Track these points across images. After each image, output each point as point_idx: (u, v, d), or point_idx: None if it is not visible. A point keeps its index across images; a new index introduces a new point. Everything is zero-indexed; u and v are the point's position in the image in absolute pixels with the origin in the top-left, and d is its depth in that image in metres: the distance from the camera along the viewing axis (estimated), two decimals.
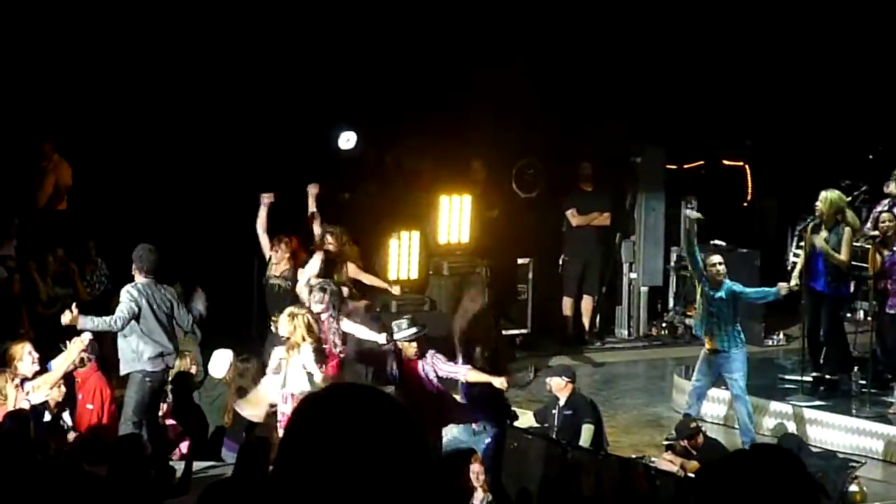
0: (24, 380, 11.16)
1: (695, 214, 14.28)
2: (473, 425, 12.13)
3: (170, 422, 12.45)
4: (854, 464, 12.01)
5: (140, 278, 11.82)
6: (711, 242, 16.78)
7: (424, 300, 15.70)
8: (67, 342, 11.46)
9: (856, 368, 13.72)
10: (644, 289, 17.80)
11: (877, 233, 13.52)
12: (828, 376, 13.85)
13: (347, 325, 12.35)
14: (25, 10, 15.18)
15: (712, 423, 13.70)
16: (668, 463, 11.68)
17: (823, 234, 13.43)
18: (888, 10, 17.05)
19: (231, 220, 14.63)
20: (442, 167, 16.19)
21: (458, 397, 12.55)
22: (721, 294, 12.79)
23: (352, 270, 14.17)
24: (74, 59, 15.15)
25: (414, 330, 11.87)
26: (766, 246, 17.18)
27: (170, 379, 12.37)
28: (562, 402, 12.27)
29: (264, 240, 13.72)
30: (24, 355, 11.40)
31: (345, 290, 13.45)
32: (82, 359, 11.74)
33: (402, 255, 15.69)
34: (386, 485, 2.45)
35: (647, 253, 17.72)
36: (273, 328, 12.52)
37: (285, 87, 15.68)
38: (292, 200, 14.39)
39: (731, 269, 13.21)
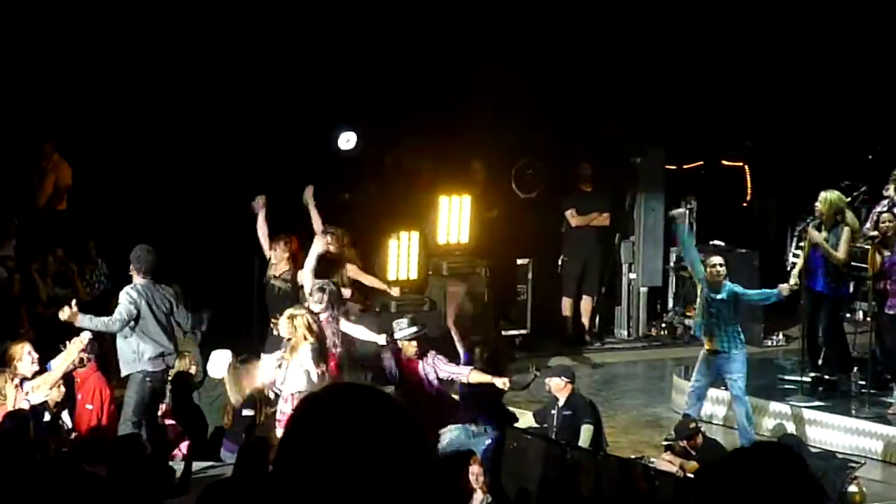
0: (24, 380, 11.17)
1: (678, 211, 14.28)
2: (473, 427, 12.12)
3: (169, 422, 12.45)
4: (853, 464, 12.01)
5: (138, 279, 11.83)
6: (711, 243, 16.80)
7: (424, 300, 15.70)
8: (67, 342, 11.47)
9: (855, 369, 13.72)
10: (643, 289, 17.80)
11: (876, 233, 13.52)
12: (827, 377, 13.86)
13: (347, 326, 12.34)
14: (25, 10, 15.18)
15: (711, 423, 13.70)
16: (667, 463, 11.69)
17: (823, 234, 13.45)
18: (888, 10, 17.05)
19: (231, 221, 14.63)
20: (442, 167, 16.19)
21: (456, 397, 12.55)
22: (722, 295, 12.79)
23: (352, 271, 14.16)
24: (74, 59, 15.16)
25: (414, 329, 11.87)
26: (765, 246, 17.18)
27: (169, 379, 12.38)
28: (561, 403, 12.27)
29: (265, 242, 13.70)
30: (24, 355, 11.40)
31: (346, 293, 13.43)
32: (82, 359, 11.75)
33: (402, 256, 15.68)
34: (386, 485, 2.45)
35: (647, 253, 17.72)
36: (274, 330, 12.52)
37: (286, 88, 15.68)
38: (292, 201, 14.39)
39: (731, 270, 13.21)
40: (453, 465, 9.89)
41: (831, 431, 13.13)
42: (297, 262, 13.46)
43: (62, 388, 11.46)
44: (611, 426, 13.46)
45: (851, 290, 14.39)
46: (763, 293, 13.40)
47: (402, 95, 15.79)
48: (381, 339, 12.20)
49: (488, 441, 11.70)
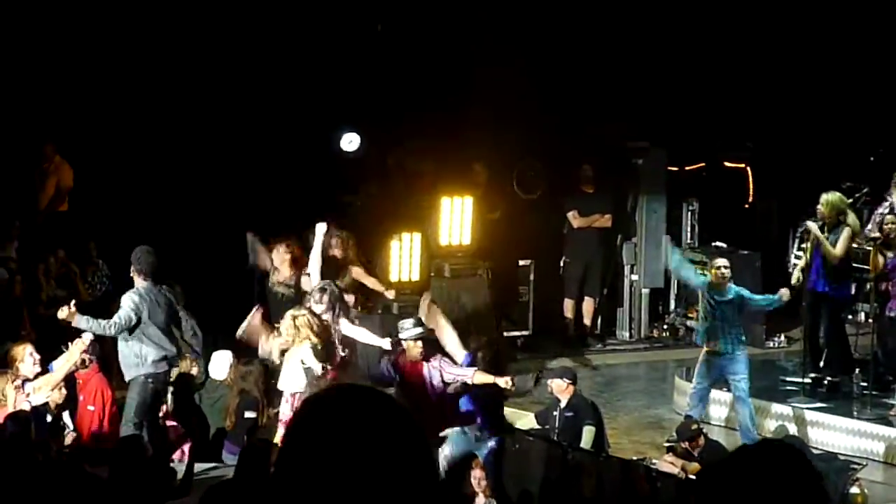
0: (26, 381, 11.16)
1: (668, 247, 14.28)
2: (469, 430, 12.06)
3: (171, 423, 12.44)
4: (855, 466, 12.02)
5: (139, 281, 11.81)
6: (713, 244, 16.80)
7: None
8: (69, 344, 11.46)
9: (857, 370, 13.71)
10: (645, 290, 17.79)
11: (878, 234, 13.52)
12: (829, 378, 13.85)
13: (350, 329, 12.24)
14: (26, 11, 15.18)
15: (713, 424, 13.69)
16: (669, 465, 11.69)
17: (825, 235, 13.44)
18: (888, 11, 17.03)
19: (233, 222, 14.62)
20: (443, 169, 16.19)
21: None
22: (727, 297, 12.80)
23: (356, 273, 14.12)
24: (76, 60, 15.16)
25: (419, 330, 11.84)
26: (767, 248, 17.16)
27: (171, 381, 12.38)
28: (563, 404, 12.26)
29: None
30: (26, 356, 11.40)
31: (350, 299, 13.37)
32: (83, 360, 11.74)
33: (404, 257, 15.68)
34: (387, 487, 2.45)
35: (649, 255, 17.70)
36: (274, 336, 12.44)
37: (288, 90, 15.68)
38: (294, 203, 14.39)
39: (733, 271, 13.22)
40: (455, 469, 9.89)
41: (833, 433, 13.13)
42: (299, 266, 13.37)
43: (63, 390, 11.45)
44: (612, 427, 13.46)
45: (853, 291, 14.39)
46: (767, 299, 13.39)
47: (403, 96, 15.78)
48: (386, 344, 12.14)
49: (491, 444, 11.68)
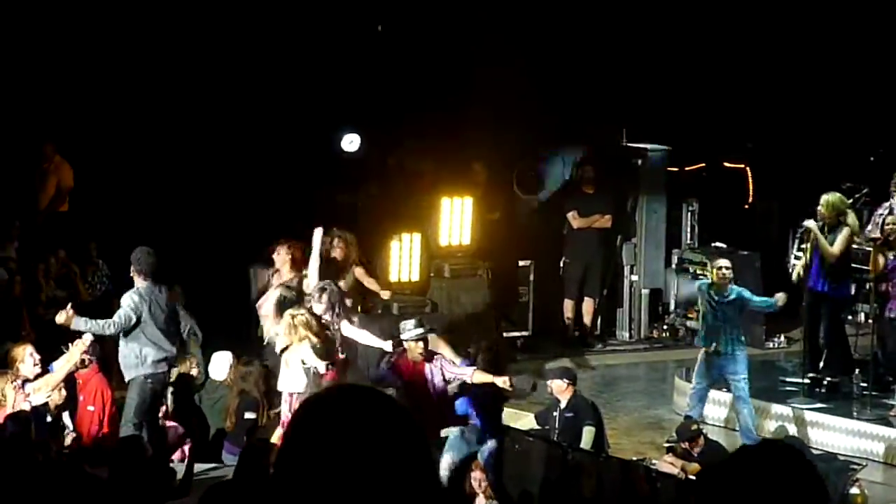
0: (26, 381, 11.16)
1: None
2: (474, 432, 12.06)
3: (170, 424, 12.44)
4: (855, 466, 12.01)
5: (139, 281, 11.80)
6: (713, 245, 16.80)
7: (426, 302, 15.69)
8: (70, 344, 11.46)
9: (857, 371, 13.71)
10: (645, 291, 17.79)
11: (878, 235, 13.52)
12: (828, 379, 13.84)
13: (351, 331, 12.22)
14: (26, 10, 15.18)
15: (713, 425, 13.69)
16: (668, 465, 11.68)
17: (824, 236, 13.44)
18: (888, 11, 17.04)
19: (233, 222, 14.62)
20: (443, 169, 16.19)
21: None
22: (728, 298, 12.81)
23: (358, 273, 14.11)
24: (76, 60, 15.16)
25: (421, 330, 11.83)
26: (767, 248, 17.16)
27: (171, 381, 12.38)
28: (563, 405, 12.26)
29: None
30: (26, 357, 11.40)
31: (349, 301, 13.34)
32: (83, 361, 11.74)
33: (404, 257, 15.69)
34: (387, 487, 2.44)
35: (649, 255, 17.70)
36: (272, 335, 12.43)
37: (289, 90, 15.68)
38: (294, 203, 14.39)
39: (733, 272, 13.22)
40: (455, 471, 9.89)
41: (833, 433, 13.12)
42: (300, 267, 13.32)
43: (63, 390, 11.45)
44: (612, 428, 13.45)
45: (853, 291, 14.39)
46: (765, 301, 13.41)
47: (403, 96, 15.79)
48: (387, 346, 12.14)
49: (491, 444, 11.68)
